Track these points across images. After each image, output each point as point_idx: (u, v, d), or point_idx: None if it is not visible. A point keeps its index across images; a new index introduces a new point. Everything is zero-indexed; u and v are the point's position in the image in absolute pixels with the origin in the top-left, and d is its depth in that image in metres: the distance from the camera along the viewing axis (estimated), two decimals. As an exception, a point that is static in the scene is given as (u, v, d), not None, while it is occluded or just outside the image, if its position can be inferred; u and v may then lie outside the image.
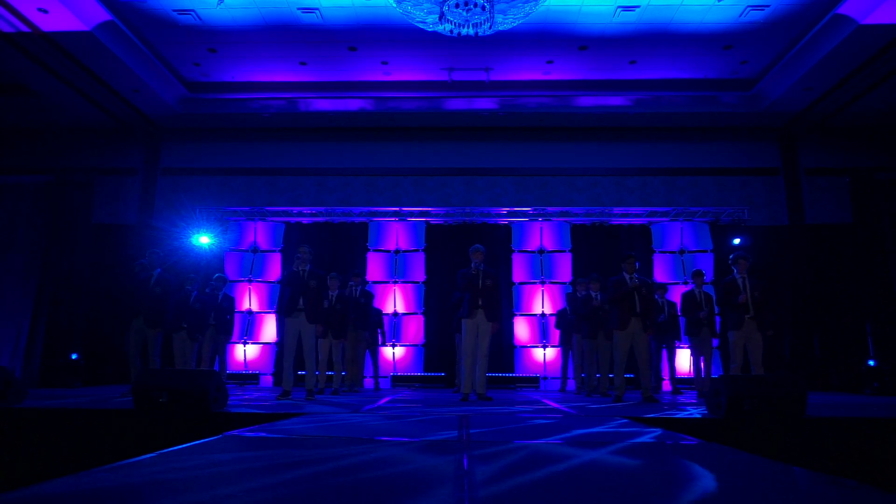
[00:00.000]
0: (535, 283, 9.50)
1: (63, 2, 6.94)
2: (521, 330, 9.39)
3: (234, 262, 9.70)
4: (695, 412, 4.43)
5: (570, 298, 7.98)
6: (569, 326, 7.87)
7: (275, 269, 9.66)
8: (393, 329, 9.48)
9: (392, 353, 9.41)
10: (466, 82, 9.24)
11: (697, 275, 7.24)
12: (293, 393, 5.98)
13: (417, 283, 9.67)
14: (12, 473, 3.46)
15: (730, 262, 6.20)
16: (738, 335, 5.88)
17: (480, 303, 5.99)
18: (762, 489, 1.64)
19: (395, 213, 9.86)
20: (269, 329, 9.51)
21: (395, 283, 9.64)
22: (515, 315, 9.40)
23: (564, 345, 8.10)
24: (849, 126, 9.97)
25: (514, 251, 9.71)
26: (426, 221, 9.87)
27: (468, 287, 6.05)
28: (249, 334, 9.48)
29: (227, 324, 7.58)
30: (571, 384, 8.22)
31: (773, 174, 10.22)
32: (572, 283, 9.40)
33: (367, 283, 9.09)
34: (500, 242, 9.73)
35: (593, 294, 7.24)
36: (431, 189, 10.32)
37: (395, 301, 9.55)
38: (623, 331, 5.89)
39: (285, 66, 8.88)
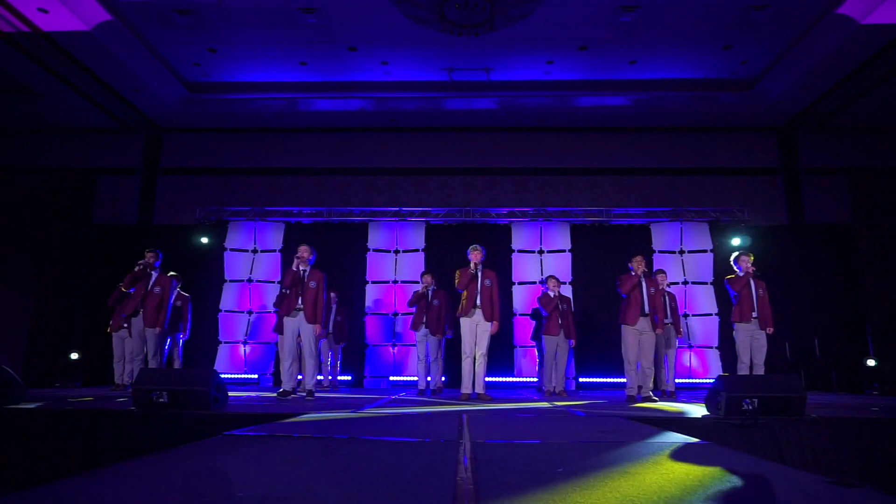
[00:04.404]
0: (535, 283, 9.50)
1: (63, 2, 6.94)
2: (521, 330, 9.38)
3: (234, 262, 9.70)
4: (694, 412, 4.42)
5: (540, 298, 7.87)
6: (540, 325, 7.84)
7: (275, 269, 9.66)
8: (392, 329, 9.48)
9: (392, 352, 9.41)
10: (466, 82, 9.24)
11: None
12: (292, 393, 5.97)
13: (417, 283, 9.65)
14: (12, 474, 3.46)
15: (734, 259, 6.18)
16: (743, 332, 5.88)
17: (479, 302, 5.99)
18: (761, 490, 1.64)
19: (394, 213, 9.86)
20: (268, 329, 9.50)
21: (395, 283, 9.64)
22: (515, 315, 9.40)
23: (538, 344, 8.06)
24: (849, 126, 9.98)
25: (514, 251, 9.70)
26: (426, 221, 9.87)
27: (467, 286, 6.05)
28: (250, 334, 9.48)
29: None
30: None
31: (772, 174, 10.22)
32: (572, 282, 9.41)
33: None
34: (500, 242, 9.72)
35: (551, 293, 7.20)
36: (431, 189, 10.32)
37: (395, 301, 9.55)
38: (632, 327, 5.91)
39: (285, 66, 8.88)
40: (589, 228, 9.85)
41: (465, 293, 6.10)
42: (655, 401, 5.77)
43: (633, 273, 6.04)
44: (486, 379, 6.29)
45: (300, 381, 6.64)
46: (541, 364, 7.98)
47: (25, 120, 10.18)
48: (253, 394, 6.79)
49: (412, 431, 2.91)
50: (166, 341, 7.17)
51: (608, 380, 9.05)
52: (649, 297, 5.95)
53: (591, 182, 10.30)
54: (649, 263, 9.40)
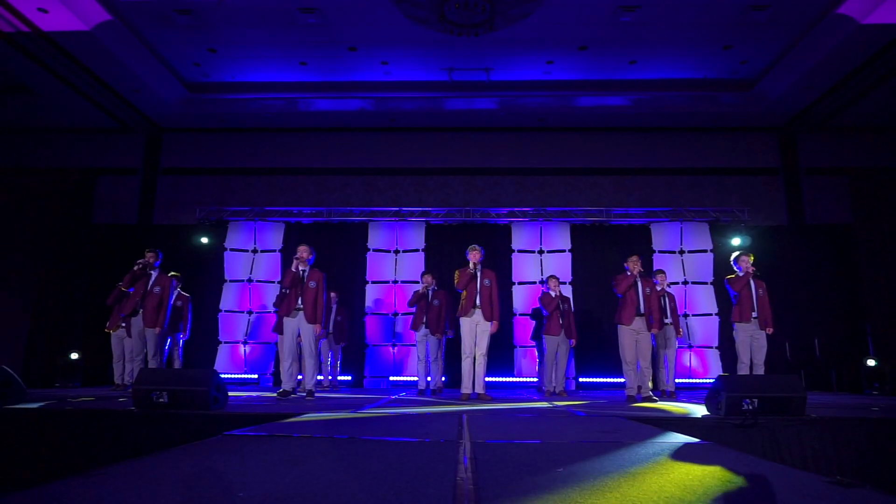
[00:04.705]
0: (535, 283, 9.50)
1: (63, 2, 6.94)
2: (522, 330, 9.38)
3: (234, 262, 9.70)
4: (694, 412, 4.42)
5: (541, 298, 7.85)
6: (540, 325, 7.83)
7: (275, 269, 9.66)
8: (392, 329, 9.48)
9: (392, 352, 9.41)
10: (466, 82, 9.24)
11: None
12: (292, 393, 5.97)
13: (417, 283, 9.65)
14: (12, 474, 3.46)
15: (734, 259, 6.18)
16: (743, 332, 5.88)
17: (478, 302, 6.00)
18: (761, 490, 1.64)
19: (394, 213, 9.86)
20: (268, 329, 9.51)
21: (395, 283, 9.64)
22: (515, 315, 9.40)
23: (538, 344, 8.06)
24: (849, 126, 9.98)
25: (514, 251, 9.70)
26: (426, 221, 9.87)
27: (466, 286, 6.06)
28: (250, 334, 9.48)
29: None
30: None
31: (773, 174, 10.22)
32: (572, 282, 9.41)
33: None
34: (500, 242, 9.73)
35: (552, 293, 7.22)
36: (431, 189, 10.32)
37: (395, 301, 9.55)
38: (627, 326, 5.91)
39: (285, 66, 8.89)
40: (589, 228, 9.85)
41: (464, 293, 6.11)
42: (655, 401, 5.77)
43: (629, 273, 6.04)
44: (486, 379, 6.29)
45: (300, 381, 6.64)
46: (541, 364, 7.98)
47: (25, 120, 10.18)
48: (253, 394, 6.79)
49: (412, 431, 2.90)
50: (166, 341, 7.17)
51: (608, 380, 9.05)
52: (644, 297, 5.96)
53: (591, 182, 10.30)
54: (650, 263, 9.43)
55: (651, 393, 5.94)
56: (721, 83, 9.29)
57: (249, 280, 9.64)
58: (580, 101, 9.52)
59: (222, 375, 4.86)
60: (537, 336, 8.05)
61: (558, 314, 7.11)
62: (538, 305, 7.59)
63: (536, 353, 8.33)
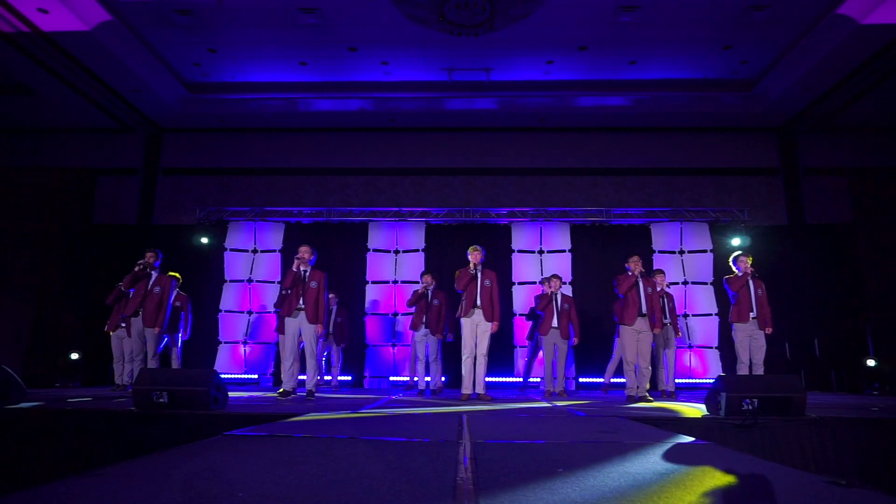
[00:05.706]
0: (534, 283, 9.50)
1: (63, 2, 6.94)
2: (521, 330, 9.38)
3: (234, 262, 9.70)
4: (694, 412, 4.42)
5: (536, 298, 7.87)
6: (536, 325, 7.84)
7: (275, 270, 9.66)
8: (393, 329, 9.48)
9: (392, 352, 9.41)
10: (466, 82, 9.24)
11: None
12: (293, 393, 5.97)
13: (417, 283, 9.65)
14: (12, 474, 3.46)
15: (733, 259, 6.19)
16: (742, 332, 5.88)
17: (479, 302, 6.00)
18: (761, 490, 1.64)
19: (394, 213, 9.86)
20: (268, 329, 9.51)
21: (395, 283, 9.64)
22: (515, 315, 9.39)
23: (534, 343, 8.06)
24: (849, 126, 9.98)
25: (514, 251, 9.70)
26: (426, 221, 9.87)
27: (467, 286, 6.06)
28: (250, 334, 9.48)
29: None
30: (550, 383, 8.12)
31: (772, 174, 10.22)
32: (572, 282, 9.41)
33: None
34: (500, 242, 9.72)
35: (548, 292, 7.22)
36: (431, 189, 10.32)
37: (395, 301, 9.55)
38: (630, 326, 5.90)
39: (285, 66, 8.89)
40: (589, 228, 9.85)
41: (464, 293, 6.10)
42: (651, 401, 5.77)
43: (631, 273, 6.04)
44: (487, 379, 6.29)
45: (301, 381, 6.64)
46: (529, 363, 8.01)
47: (25, 120, 10.18)
48: (253, 394, 6.79)
49: (412, 432, 2.90)
50: (164, 340, 7.18)
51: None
52: (646, 297, 5.96)
53: (591, 182, 10.30)
54: (650, 263, 9.42)
55: (647, 393, 5.94)
56: (721, 83, 9.29)
57: (249, 280, 9.64)
58: (580, 101, 9.52)
59: (222, 375, 4.86)
60: (532, 336, 8.05)
61: (552, 313, 7.10)
62: (534, 306, 7.59)
63: (527, 353, 8.28)
